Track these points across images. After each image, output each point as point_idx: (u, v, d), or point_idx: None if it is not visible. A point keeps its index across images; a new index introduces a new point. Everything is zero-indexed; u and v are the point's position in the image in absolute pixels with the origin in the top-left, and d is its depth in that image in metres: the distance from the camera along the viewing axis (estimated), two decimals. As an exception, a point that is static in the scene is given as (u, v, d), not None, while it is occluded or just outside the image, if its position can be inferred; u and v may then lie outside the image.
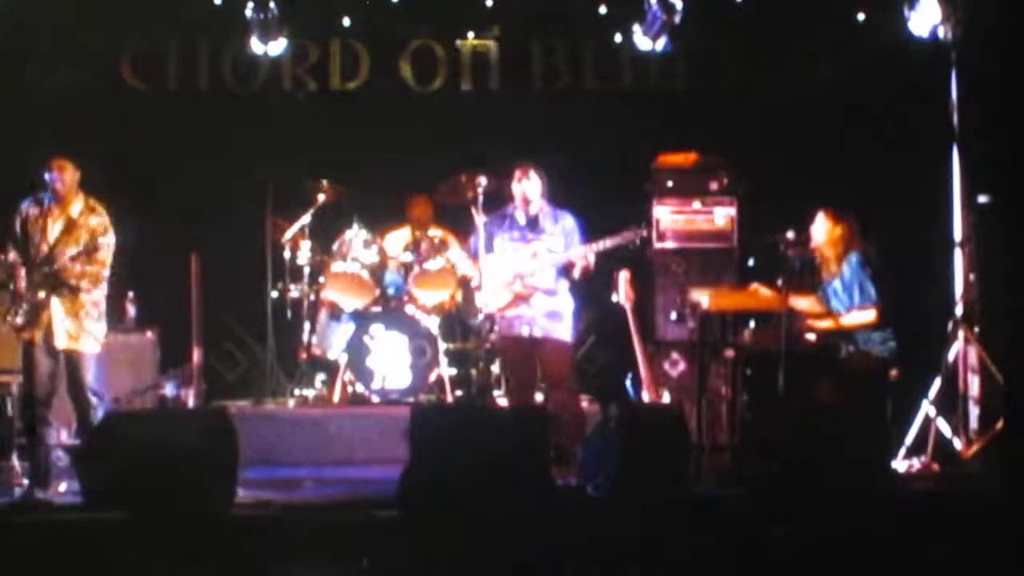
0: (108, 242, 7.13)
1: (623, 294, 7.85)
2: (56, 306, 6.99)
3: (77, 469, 6.68)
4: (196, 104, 9.75)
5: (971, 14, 8.38)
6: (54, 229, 7.07)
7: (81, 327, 7.04)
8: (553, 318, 7.87)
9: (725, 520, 6.24)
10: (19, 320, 6.96)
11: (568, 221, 7.95)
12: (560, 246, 7.86)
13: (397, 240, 9.62)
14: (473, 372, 9.10)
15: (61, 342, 7.01)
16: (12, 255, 7.06)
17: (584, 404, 8.20)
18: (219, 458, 6.37)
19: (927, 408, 7.80)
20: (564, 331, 7.88)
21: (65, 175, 7.07)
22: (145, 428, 6.55)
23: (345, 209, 9.32)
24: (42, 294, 6.97)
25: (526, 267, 7.88)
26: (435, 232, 9.48)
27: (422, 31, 9.92)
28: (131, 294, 8.69)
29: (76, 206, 7.11)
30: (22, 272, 7.00)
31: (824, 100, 9.34)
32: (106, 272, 7.13)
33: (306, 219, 9.15)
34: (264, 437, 8.28)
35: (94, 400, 7.13)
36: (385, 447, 8.00)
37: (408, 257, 9.32)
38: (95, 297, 7.14)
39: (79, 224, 7.07)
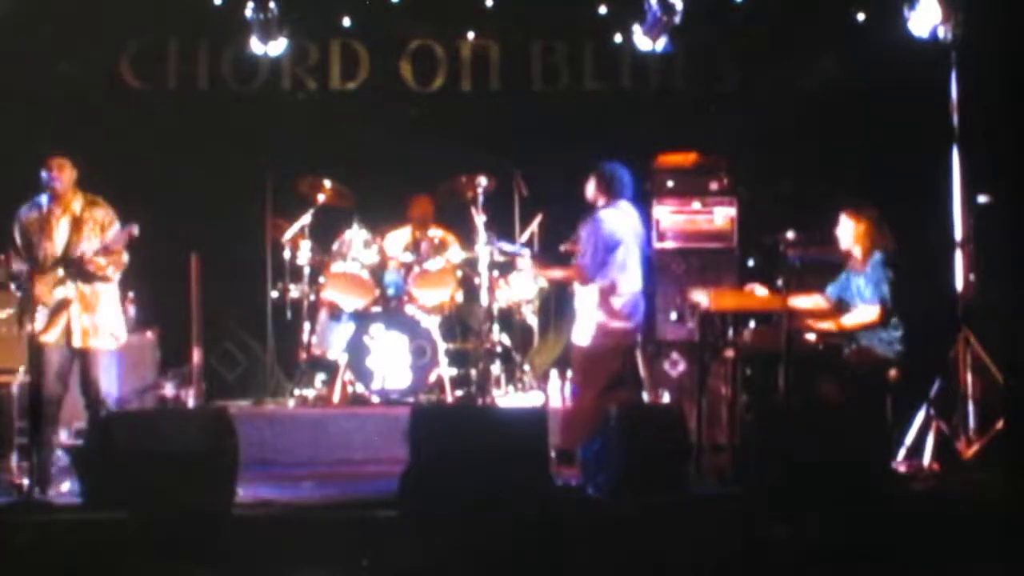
0: (118, 231, 7.18)
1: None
2: (75, 304, 7.02)
3: (77, 469, 6.68)
4: (196, 104, 9.75)
5: (971, 14, 8.38)
6: (60, 228, 7.11)
7: (97, 323, 7.08)
8: (578, 319, 7.86)
9: (725, 520, 6.23)
10: (38, 325, 6.98)
11: (584, 228, 7.84)
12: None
13: (397, 240, 9.62)
14: (473, 372, 9.11)
15: (78, 340, 7.05)
16: (17, 264, 7.08)
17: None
18: (219, 458, 6.37)
19: (927, 408, 7.79)
20: (579, 334, 7.80)
21: (63, 174, 7.12)
22: (145, 428, 6.55)
23: (345, 209, 9.33)
24: (60, 294, 7.00)
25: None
26: (435, 232, 9.49)
27: (422, 31, 9.92)
28: (131, 294, 8.69)
29: (77, 203, 7.18)
30: (33, 280, 7.00)
31: (824, 100, 9.34)
32: (126, 257, 7.19)
33: (306, 219, 9.15)
34: (264, 437, 8.29)
35: (107, 399, 7.14)
36: (385, 447, 8.00)
37: (408, 257, 9.32)
38: (112, 289, 7.18)
39: (85, 219, 7.14)
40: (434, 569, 5.84)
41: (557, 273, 8.22)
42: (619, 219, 7.77)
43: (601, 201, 7.82)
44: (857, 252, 7.46)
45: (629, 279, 7.72)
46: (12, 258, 7.13)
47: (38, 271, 7.04)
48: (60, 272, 7.05)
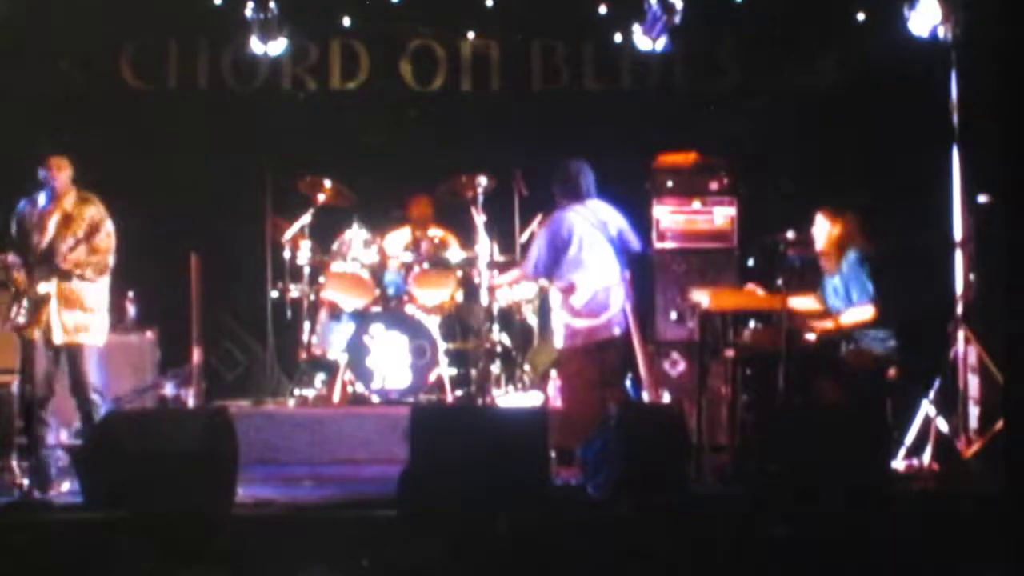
0: (108, 230, 7.20)
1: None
2: (54, 301, 7.03)
3: (77, 469, 6.68)
4: (196, 104, 9.75)
5: (971, 14, 8.38)
6: (51, 224, 7.13)
7: (80, 320, 7.08)
8: (553, 322, 8.01)
9: (725, 520, 6.23)
10: (21, 319, 6.99)
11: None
12: None
13: (397, 240, 9.62)
14: (473, 372, 9.11)
15: (58, 337, 7.05)
16: (11, 257, 7.10)
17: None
18: (219, 458, 6.37)
19: (927, 408, 7.79)
20: (556, 337, 7.94)
21: (62, 173, 7.17)
22: (145, 428, 6.56)
23: (345, 209, 9.33)
24: (43, 289, 7.01)
25: None
26: (435, 232, 9.49)
27: (422, 31, 9.92)
28: (131, 294, 8.69)
29: (70, 199, 7.20)
30: (22, 272, 7.03)
31: (824, 100, 9.34)
32: (111, 259, 7.20)
33: (306, 219, 9.15)
34: (264, 437, 8.28)
35: (96, 398, 7.14)
36: (385, 447, 8.00)
37: (408, 257, 9.32)
38: (98, 288, 7.18)
39: (75, 216, 7.17)
40: (434, 569, 5.84)
41: (510, 276, 8.43)
42: (573, 218, 7.81)
43: (563, 201, 7.88)
44: (830, 253, 7.46)
45: (589, 276, 7.74)
46: (8, 251, 7.14)
47: (28, 266, 7.05)
48: (44, 267, 7.05)
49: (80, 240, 7.10)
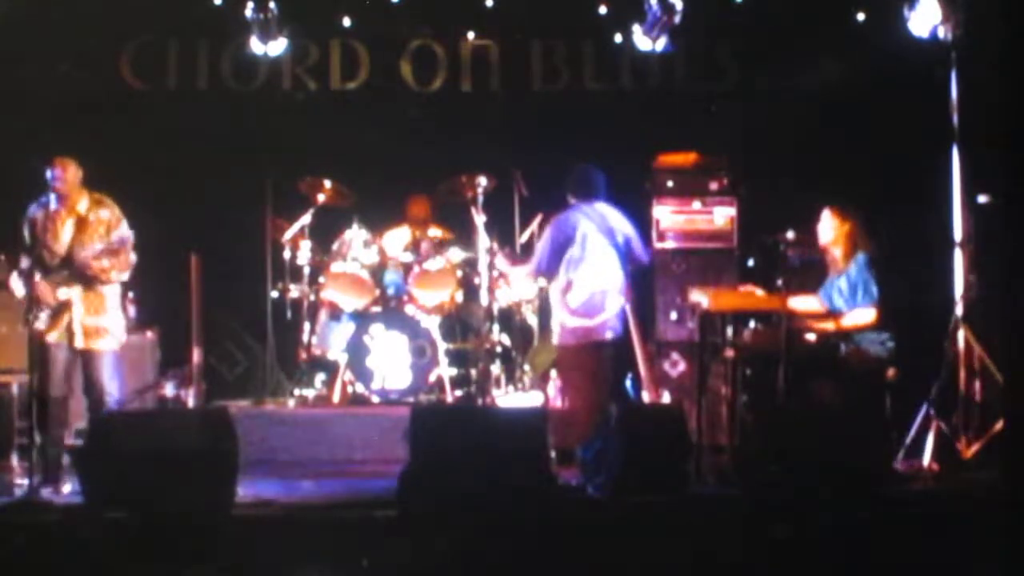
0: (125, 233, 7.18)
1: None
2: (77, 305, 7.02)
3: (77, 469, 6.69)
4: (196, 104, 9.75)
5: (971, 14, 8.38)
6: (66, 229, 7.12)
7: (101, 324, 7.09)
8: (552, 320, 8.05)
9: (725, 520, 6.24)
10: (40, 325, 6.99)
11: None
12: None
13: (397, 240, 9.62)
14: (473, 372, 9.11)
15: (80, 342, 7.05)
16: (25, 261, 7.07)
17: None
18: (219, 458, 6.38)
19: (927, 408, 7.80)
20: (556, 335, 7.95)
21: (67, 174, 7.13)
22: (145, 428, 6.56)
23: (345, 209, 9.33)
24: (64, 295, 7.00)
25: None
26: (435, 232, 9.49)
27: (422, 31, 9.92)
28: (131, 294, 8.69)
29: (83, 203, 7.18)
30: (38, 277, 7.01)
31: (824, 100, 9.34)
32: (133, 259, 7.19)
33: (306, 219, 9.15)
34: (264, 437, 8.29)
35: (109, 400, 7.15)
36: (385, 447, 8.00)
37: (408, 257, 9.32)
38: (115, 292, 7.19)
39: (90, 220, 7.14)
40: (434, 569, 5.85)
41: (520, 269, 8.37)
42: (579, 217, 7.80)
43: (572, 201, 7.89)
44: (837, 252, 7.46)
45: (586, 276, 7.74)
46: (20, 255, 7.13)
47: (42, 270, 7.05)
48: (64, 273, 7.06)
49: (104, 248, 7.09)
